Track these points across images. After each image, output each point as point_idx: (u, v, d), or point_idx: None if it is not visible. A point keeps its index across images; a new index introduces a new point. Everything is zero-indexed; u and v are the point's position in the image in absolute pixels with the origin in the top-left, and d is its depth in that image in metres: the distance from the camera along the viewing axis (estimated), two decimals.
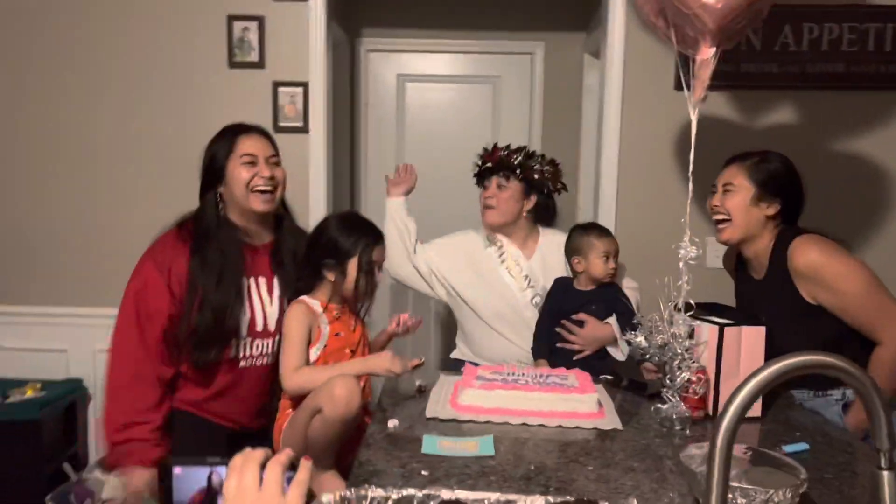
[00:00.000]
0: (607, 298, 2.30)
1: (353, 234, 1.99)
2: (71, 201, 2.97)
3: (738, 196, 2.05)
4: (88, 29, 2.91)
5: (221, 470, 0.87)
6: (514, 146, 2.48)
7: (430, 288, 2.54)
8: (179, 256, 1.91)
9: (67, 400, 2.80)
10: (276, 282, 2.04)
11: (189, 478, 0.88)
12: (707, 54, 1.68)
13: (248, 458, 0.84)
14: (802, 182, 2.12)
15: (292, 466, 0.85)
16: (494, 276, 2.43)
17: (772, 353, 1.84)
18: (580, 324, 2.28)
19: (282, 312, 2.00)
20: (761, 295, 2.09)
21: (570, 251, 2.34)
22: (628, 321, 2.13)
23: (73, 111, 2.95)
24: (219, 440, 2.00)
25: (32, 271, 2.98)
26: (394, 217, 2.50)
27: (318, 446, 1.78)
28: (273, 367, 2.03)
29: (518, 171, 2.41)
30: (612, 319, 2.27)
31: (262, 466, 0.84)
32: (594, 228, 2.36)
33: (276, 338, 2.02)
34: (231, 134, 1.99)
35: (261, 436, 2.03)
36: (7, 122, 2.95)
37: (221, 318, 1.89)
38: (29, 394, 2.69)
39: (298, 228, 2.14)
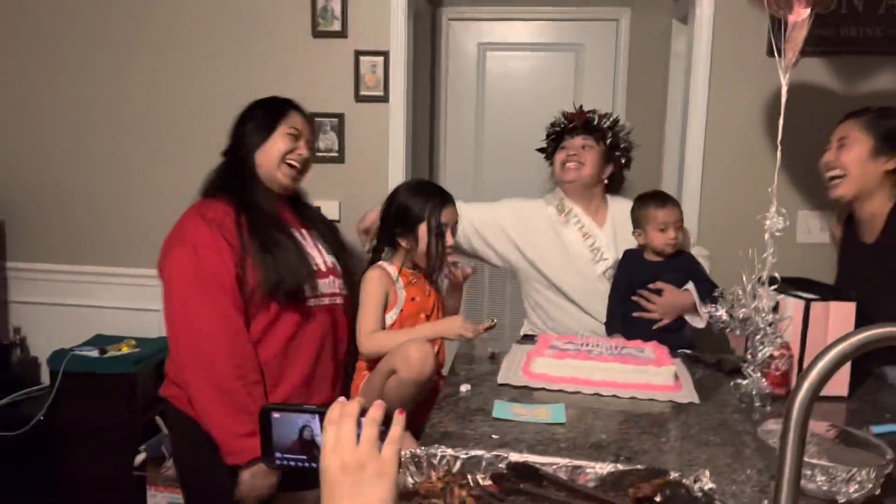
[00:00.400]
0: (680, 267, 2.25)
1: (420, 198, 2.03)
2: (166, 172, 3.09)
3: (854, 149, 1.93)
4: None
5: (314, 419, 0.90)
6: (595, 110, 2.43)
7: (494, 251, 2.48)
8: (224, 213, 1.84)
9: (159, 357, 2.94)
10: (306, 232, 2.02)
11: (287, 423, 0.91)
12: (800, 15, 1.60)
13: (344, 412, 0.86)
14: None
15: (386, 419, 0.87)
16: (567, 245, 2.39)
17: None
18: (657, 293, 2.24)
19: (323, 254, 2.01)
20: (872, 260, 1.97)
21: (633, 223, 2.31)
22: (707, 290, 2.09)
23: (154, 79, 3.05)
24: None
25: (129, 236, 3.13)
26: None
27: (392, 406, 1.82)
28: (339, 312, 2.00)
29: (606, 135, 2.37)
30: (691, 286, 2.22)
31: (359, 417, 0.86)
32: (652, 198, 2.29)
33: (335, 278, 1.99)
34: (283, 104, 2.01)
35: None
36: (109, 90, 3.09)
37: (300, 251, 1.89)
38: (125, 349, 2.84)
39: (305, 202, 2.16)
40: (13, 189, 3.12)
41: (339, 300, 2.00)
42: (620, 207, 2.42)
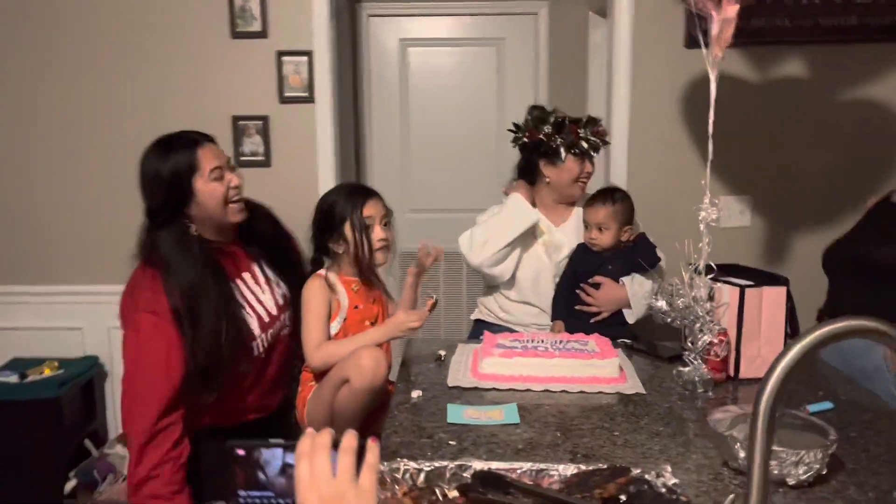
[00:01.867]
0: (623, 258, 2.30)
1: (340, 198, 2.02)
2: (80, 179, 2.95)
3: None
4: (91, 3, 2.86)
5: (277, 452, 0.87)
6: (586, 117, 2.43)
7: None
8: (159, 294, 1.73)
9: (85, 377, 2.81)
10: (257, 269, 1.98)
11: (251, 459, 0.87)
12: (730, 13, 1.64)
13: (317, 444, 0.83)
14: None
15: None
16: (525, 245, 2.41)
17: (888, 262, 1.95)
18: (596, 287, 2.29)
19: (274, 291, 1.99)
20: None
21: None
22: (650, 264, 2.22)
23: (70, 83, 2.90)
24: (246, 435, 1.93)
25: (44, 251, 2.97)
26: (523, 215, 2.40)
27: (344, 416, 1.80)
28: (292, 336, 2.02)
29: (599, 149, 2.41)
30: (627, 279, 2.28)
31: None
32: (592, 198, 2.33)
33: (285, 313, 1.99)
34: (186, 147, 1.79)
35: (281, 411, 2.04)
36: (6, 103, 2.92)
37: (226, 346, 1.77)
38: (47, 372, 2.70)
39: (254, 204, 2.03)
40: None
41: (287, 330, 2.02)
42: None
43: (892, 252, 1.98)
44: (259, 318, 1.92)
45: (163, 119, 2.91)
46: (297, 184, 2.94)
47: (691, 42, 2.85)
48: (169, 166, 1.77)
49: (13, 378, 2.63)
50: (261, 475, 0.88)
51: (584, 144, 2.33)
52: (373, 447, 0.84)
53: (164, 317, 1.71)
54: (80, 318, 2.94)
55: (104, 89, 2.90)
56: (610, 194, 2.34)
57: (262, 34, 2.85)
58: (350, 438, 0.84)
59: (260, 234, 2.02)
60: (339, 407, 1.80)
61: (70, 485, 2.56)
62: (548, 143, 2.35)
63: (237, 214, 1.88)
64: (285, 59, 2.87)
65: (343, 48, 3.60)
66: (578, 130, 2.33)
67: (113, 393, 2.98)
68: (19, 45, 2.89)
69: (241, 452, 0.87)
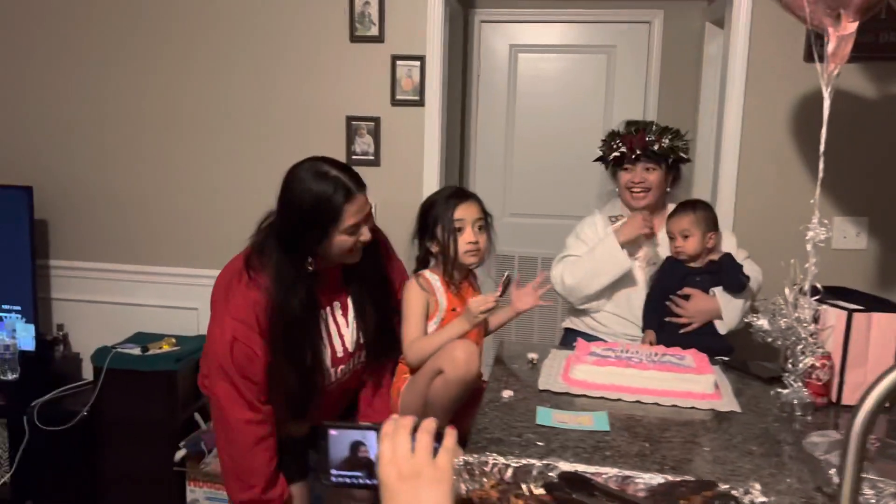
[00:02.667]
0: (712, 271, 2.28)
1: (438, 200, 2.09)
2: (203, 172, 3.16)
3: None
4: (212, 3, 3.06)
5: (370, 435, 0.93)
6: (655, 126, 2.44)
7: None
8: (256, 305, 1.79)
9: (199, 354, 3.00)
10: (349, 301, 2.00)
11: (343, 440, 0.94)
12: (849, 29, 1.60)
13: (398, 426, 0.90)
14: None
15: (437, 436, 0.90)
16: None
17: None
18: (686, 299, 2.28)
19: (358, 330, 2.01)
20: None
21: None
22: (735, 287, 2.21)
23: (198, 85, 3.11)
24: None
25: (168, 235, 3.20)
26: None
27: (436, 407, 1.86)
28: (353, 379, 2.07)
29: (668, 155, 2.40)
30: (718, 290, 2.25)
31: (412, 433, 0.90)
32: (674, 210, 2.36)
33: (361, 352, 2.04)
34: (339, 194, 1.79)
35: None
36: (149, 92, 3.16)
37: (306, 379, 1.88)
38: (165, 348, 2.90)
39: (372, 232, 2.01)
40: (56, 189, 3.19)
41: (360, 366, 2.07)
42: None
43: None
44: (333, 352, 1.96)
45: (280, 116, 3.09)
46: (403, 183, 3.04)
47: (811, 56, 2.75)
48: (315, 207, 1.78)
49: (136, 350, 2.85)
50: (351, 456, 0.94)
51: (615, 154, 2.39)
52: (451, 432, 0.90)
53: (253, 329, 1.77)
54: (196, 298, 3.14)
55: (229, 86, 3.10)
56: (691, 204, 2.36)
57: (378, 39, 2.97)
58: (429, 421, 0.90)
59: (363, 269, 1.99)
60: (433, 397, 1.87)
61: (180, 453, 2.75)
62: (603, 155, 2.47)
63: (355, 258, 1.91)
64: (399, 63, 2.97)
65: (455, 53, 3.69)
66: (612, 143, 2.40)
67: None
68: (146, 42, 3.12)
69: (333, 433, 0.94)
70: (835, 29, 1.63)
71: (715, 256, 2.30)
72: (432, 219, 2.05)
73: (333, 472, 0.95)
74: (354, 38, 2.98)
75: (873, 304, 1.79)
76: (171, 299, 3.18)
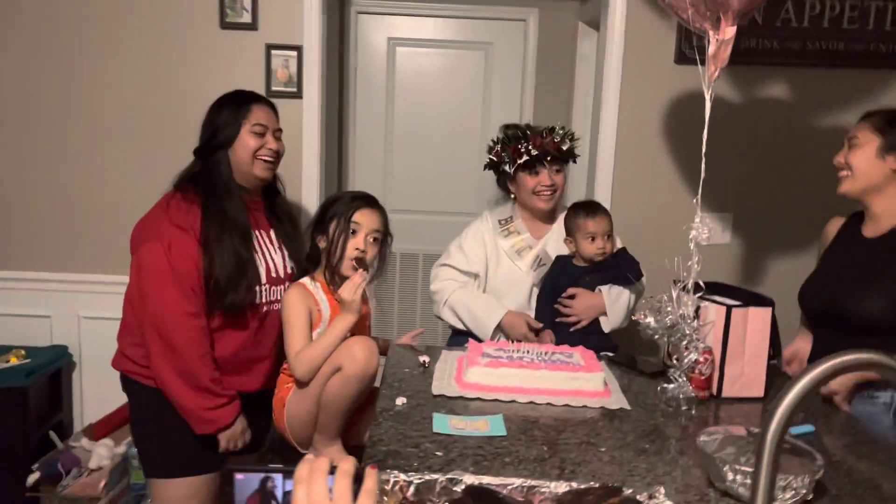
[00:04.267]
0: (603, 268, 2.31)
1: (342, 198, 2.04)
2: (54, 166, 2.87)
3: (862, 149, 1.92)
4: None
5: (276, 477, 0.85)
6: (559, 129, 2.40)
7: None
8: (193, 214, 1.92)
9: (53, 367, 2.74)
10: (273, 233, 2.11)
11: (249, 484, 0.85)
12: (728, 34, 1.65)
13: (314, 469, 0.82)
14: None
15: (356, 477, 0.83)
16: (504, 261, 2.41)
17: (867, 314, 1.82)
18: (572, 298, 2.30)
19: (284, 256, 2.10)
20: (868, 254, 1.94)
21: (565, 231, 2.37)
22: (636, 276, 2.27)
23: (57, 73, 2.83)
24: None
25: (15, 236, 2.89)
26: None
27: (331, 408, 1.79)
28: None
29: (573, 156, 2.39)
30: (604, 288, 2.29)
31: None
32: (582, 208, 2.35)
33: (289, 282, 2.06)
34: (245, 101, 2.03)
35: (260, 397, 2.06)
36: (15, 84, 2.84)
37: (244, 266, 1.93)
38: (13, 361, 2.62)
39: (284, 197, 2.26)
40: None
41: None
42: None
43: (872, 307, 1.83)
44: (267, 268, 2.03)
45: (147, 108, 2.86)
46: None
47: (682, 58, 2.87)
48: (227, 109, 2.00)
49: None
50: (256, 500, 0.86)
51: (526, 157, 2.33)
52: (371, 473, 0.83)
53: (191, 235, 1.88)
54: (49, 306, 2.87)
55: (91, 78, 2.84)
56: (597, 204, 2.38)
57: (252, 26, 2.81)
58: (348, 462, 0.83)
59: (283, 213, 2.16)
60: (328, 398, 1.79)
61: (33, 477, 2.49)
62: (498, 161, 2.41)
63: (263, 171, 2.02)
64: (274, 52, 2.83)
65: (331, 45, 3.57)
66: (518, 146, 2.35)
67: (81, 383, 2.91)
68: (14, 33, 2.81)
69: (239, 477, 0.85)
70: (714, 32, 1.68)
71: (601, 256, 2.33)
72: (330, 214, 1.97)
73: None
74: (225, 25, 2.80)
75: (747, 298, 1.87)
76: (19, 307, 2.87)
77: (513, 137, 2.37)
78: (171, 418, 1.93)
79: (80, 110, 2.85)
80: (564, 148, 2.34)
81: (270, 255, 2.06)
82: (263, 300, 2.01)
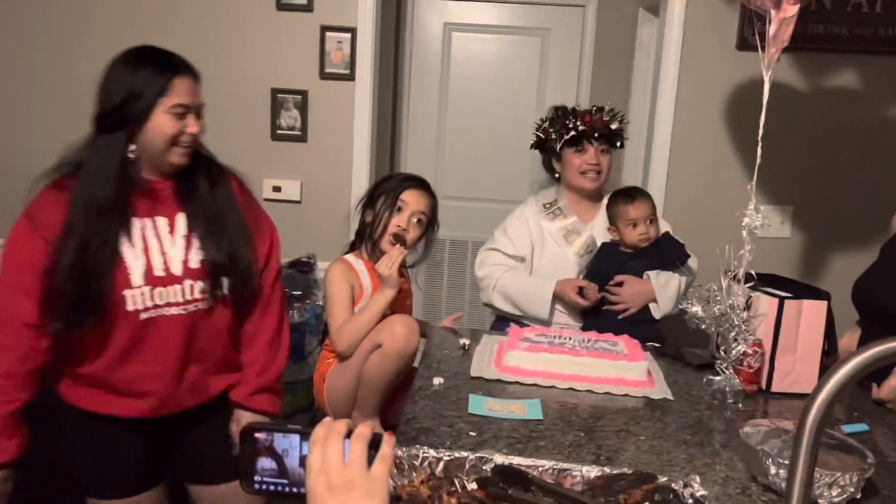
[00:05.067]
0: (650, 255, 2.26)
1: (394, 177, 2.07)
2: None
3: None
4: None
5: (296, 439, 0.85)
6: (607, 108, 2.37)
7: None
8: (55, 205, 1.53)
9: None
10: (180, 219, 1.66)
11: (268, 444, 0.86)
12: (789, 12, 1.58)
13: (330, 431, 0.81)
14: None
15: (373, 443, 0.82)
16: (550, 244, 2.37)
17: None
18: (620, 286, 2.26)
19: (189, 251, 1.63)
20: None
21: (608, 219, 2.34)
22: (682, 259, 2.22)
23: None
24: (129, 434, 1.66)
25: None
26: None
27: (370, 385, 1.80)
28: (202, 317, 1.64)
29: (617, 139, 2.35)
30: (652, 274, 2.25)
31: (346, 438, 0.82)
32: (623, 195, 2.32)
33: (195, 282, 1.63)
34: (163, 71, 1.58)
35: (202, 414, 1.71)
36: (58, 61, 2.92)
37: (88, 280, 1.52)
38: None
39: (211, 158, 1.74)
40: None
41: (200, 305, 1.64)
42: None
43: None
44: (149, 267, 1.59)
45: (205, 88, 2.90)
46: (331, 161, 2.92)
47: (743, 45, 2.78)
48: (138, 78, 1.55)
49: None
50: (277, 462, 0.86)
51: (574, 133, 2.30)
52: (388, 439, 0.82)
53: (38, 227, 1.52)
54: None
55: None
56: (639, 190, 2.35)
57: (307, 7, 2.84)
58: (364, 427, 0.82)
59: (205, 198, 1.68)
60: (368, 374, 1.81)
61: None
62: (546, 138, 2.36)
63: (181, 157, 1.62)
64: (329, 34, 2.85)
65: (386, 28, 3.57)
66: (566, 122, 2.31)
67: None
68: (59, 14, 2.89)
69: (259, 436, 0.86)
70: (776, 11, 1.61)
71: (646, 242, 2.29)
72: (380, 190, 1.99)
73: (256, 478, 0.86)
74: (281, 6, 2.83)
75: (802, 291, 1.79)
76: None
77: (562, 114, 2.33)
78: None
79: None
80: (613, 127, 2.29)
81: (161, 249, 1.61)
82: (140, 306, 1.57)
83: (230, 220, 1.69)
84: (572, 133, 2.28)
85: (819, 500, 1.19)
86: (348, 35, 2.84)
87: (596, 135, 2.29)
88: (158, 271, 1.60)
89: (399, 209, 1.96)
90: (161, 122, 1.56)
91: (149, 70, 1.57)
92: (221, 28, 2.87)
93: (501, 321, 2.38)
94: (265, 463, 0.85)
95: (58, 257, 1.50)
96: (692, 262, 2.31)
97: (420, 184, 2.03)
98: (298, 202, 2.90)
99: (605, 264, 2.28)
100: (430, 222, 2.05)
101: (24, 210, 1.56)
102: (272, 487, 0.86)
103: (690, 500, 1.06)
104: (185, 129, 1.59)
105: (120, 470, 1.67)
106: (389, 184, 2.03)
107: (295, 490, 0.85)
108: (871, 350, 0.82)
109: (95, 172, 1.54)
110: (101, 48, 2.85)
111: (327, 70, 2.86)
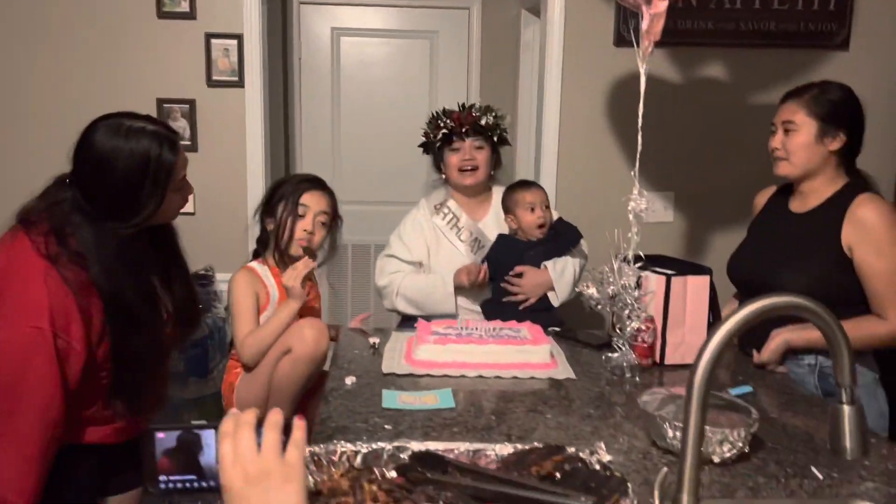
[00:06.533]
0: (548, 240, 2.35)
1: (289, 180, 2.06)
2: None
3: (800, 135, 1.87)
4: None
5: (206, 434, 0.84)
6: (477, 104, 2.45)
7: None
8: (90, 297, 1.42)
9: None
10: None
11: (171, 442, 0.85)
12: (660, 8, 1.70)
13: (240, 423, 0.81)
14: (863, 110, 1.90)
15: (284, 430, 0.83)
16: (444, 243, 2.42)
17: (787, 289, 1.77)
18: (519, 277, 2.33)
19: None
20: (795, 228, 1.95)
21: (504, 211, 2.40)
22: (575, 240, 2.33)
23: None
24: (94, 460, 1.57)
25: None
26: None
27: (282, 391, 1.79)
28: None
29: (491, 133, 2.41)
30: (549, 263, 2.33)
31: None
32: (518, 184, 2.42)
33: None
34: (171, 145, 1.52)
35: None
36: None
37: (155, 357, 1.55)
38: None
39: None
40: None
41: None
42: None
43: (792, 282, 1.81)
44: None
45: (84, 99, 2.80)
46: (224, 170, 2.87)
47: (620, 41, 2.93)
48: (144, 168, 1.47)
49: None
50: (182, 460, 0.85)
51: (445, 132, 2.38)
52: (299, 424, 0.83)
53: (71, 317, 1.38)
54: None
55: (33, 72, 2.77)
56: (529, 181, 2.46)
57: (190, 15, 2.78)
58: (275, 415, 0.83)
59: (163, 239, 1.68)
60: (278, 380, 1.79)
61: None
62: (428, 141, 2.45)
63: (174, 217, 1.65)
64: (214, 41, 2.80)
65: (273, 35, 3.54)
66: (439, 122, 2.40)
67: None
68: None
69: (160, 435, 0.85)
70: (647, 7, 1.72)
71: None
72: (278, 196, 1.97)
73: (162, 478, 0.85)
74: (163, 14, 2.77)
75: (686, 268, 1.92)
76: None
77: (435, 116, 2.41)
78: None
79: (12, 102, 2.77)
80: (483, 122, 2.37)
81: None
82: None
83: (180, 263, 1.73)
84: (443, 131, 2.36)
85: (712, 457, 1.28)
86: (234, 42, 2.80)
87: (464, 129, 2.36)
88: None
89: (301, 215, 1.96)
90: (173, 200, 1.55)
91: (156, 145, 1.49)
92: (103, 38, 2.77)
93: (409, 318, 2.41)
94: (168, 461, 0.84)
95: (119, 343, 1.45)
96: (584, 245, 2.42)
97: (317, 184, 2.04)
98: (192, 213, 2.83)
99: (504, 254, 2.35)
100: (332, 221, 2.06)
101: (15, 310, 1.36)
102: (179, 485, 0.86)
103: (598, 466, 1.12)
104: (185, 195, 1.60)
105: None
106: (286, 188, 2.01)
107: (205, 484, 0.85)
108: (754, 305, 0.91)
109: (121, 271, 1.46)
110: None
111: (215, 77, 2.81)
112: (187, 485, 0.86)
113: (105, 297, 1.44)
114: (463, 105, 2.43)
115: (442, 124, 2.36)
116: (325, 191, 2.02)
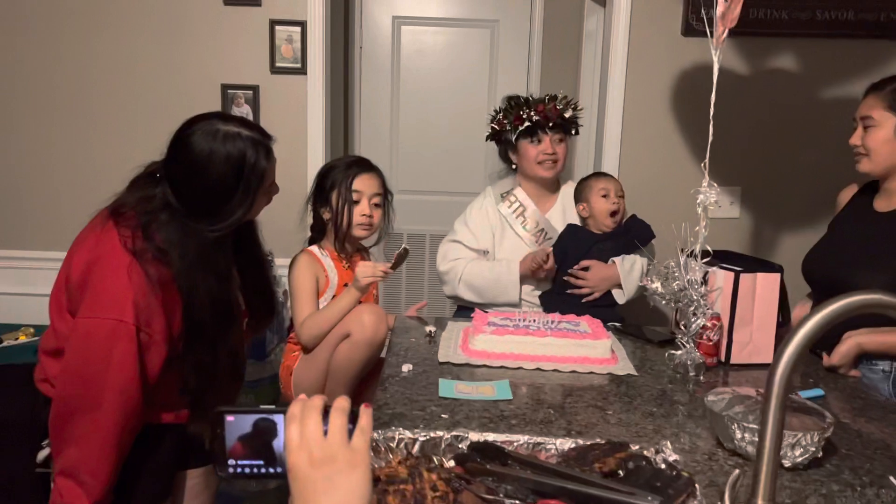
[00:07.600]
0: (617, 234, 2.30)
1: (337, 166, 2.04)
2: (64, 147, 2.88)
3: (880, 131, 1.82)
4: None
5: (275, 419, 0.84)
6: (557, 97, 2.40)
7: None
8: (171, 293, 1.47)
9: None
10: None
11: (241, 426, 0.84)
12: None
13: (307, 407, 0.81)
14: None
15: (350, 416, 0.82)
16: (509, 232, 2.40)
17: (855, 285, 1.60)
18: (586, 270, 2.28)
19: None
20: (878, 227, 1.89)
21: (576, 201, 2.37)
22: (648, 239, 2.28)
23: (62, 51, 2.83)
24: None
25: (26, 216, 2.91)
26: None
27: (339, 375, 1.80)
28: None
29: (577, 126, 2.38)
30: (618, 259, 2.28)
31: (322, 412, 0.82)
32: (593, 174, 2.39)
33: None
34: (265, 150, 1.59)
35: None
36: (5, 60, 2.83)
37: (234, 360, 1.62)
38: (22, 338, 2.64)
39: None
40: None
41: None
42: (570, 189, 2.46)
43: (871, 282, 1.73)
44: None
45: (149, 86, 2.86)
46: (285, 156, 2.83)
47: (689, 30, 2.84)
48: (238, 172, 1.51)
49: None
50: (255, 445, 0.85)
51: (528, 124, 2.32)
52: (366, 411, 0.83)
53: (131, 326, 1.41)
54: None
55: (99, 60, 2.84)
56: (602, 172, 2.43)
57: (255, 2, 2.80)
58: (342, 400, 0.82)
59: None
60: (336, 365, 1.80)
61: (43, 453, 2.49)
62: (500, 130, 2.39)
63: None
64: (278, 28, 2.81)
65: (335, 23, 3.55)
66: (521, 112, 2.33)
67: None
68: (16, 19, 2.81)
69: (230, 419, 0.84)
70: None
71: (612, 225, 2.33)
72: (329, 184, 1.97)
73: (231, 462, 0.85)
74: (228, 1, 2.79)
75: (755, 265, 1.85)
76: (26, 286, 2.88)
77: (515, 105, 2.35)
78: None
79: (86, 90, 2.85)
80: (567, 116, 2.32)
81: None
82: None
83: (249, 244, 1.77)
84: (527, 124, 2.30)
85: (783, 461, 1.23)
86: (298, 29, 2.81)
87: (550, 124, 2.31)
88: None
89: (356, 201, 1.96)
90: (261, 205, 1.62)
91: (254, 150, 1.54)
92: (169, 24, 2.81)
93: (464, 308, 2.40)
94: (238, 445, 0.84)
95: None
96: (654, 245, 2.37)
97: (366, 166, 2.04)
98: None
99: (572, 245, 2.30)
100: (384, 198, 2.06)
101: (102, 303, 1.41)
102: (248, 470, 0.85)
103: (663, 465, 1.09)
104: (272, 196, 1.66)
105: None
106: (335, 175, 2.00)
107: (272, 470, 0.84)
108: (837, 303, 0.85)
109: (206, 273, 1.50)
110: (42, 45, 2.79)
111: (278, 64, 2.83)
112: (255, 470, 0.85)
113: (184, 295, 1.48)
114: (546, 97, 2.38)
115: (524, 115, 2.31)
116: (373, 171, 2.02)
